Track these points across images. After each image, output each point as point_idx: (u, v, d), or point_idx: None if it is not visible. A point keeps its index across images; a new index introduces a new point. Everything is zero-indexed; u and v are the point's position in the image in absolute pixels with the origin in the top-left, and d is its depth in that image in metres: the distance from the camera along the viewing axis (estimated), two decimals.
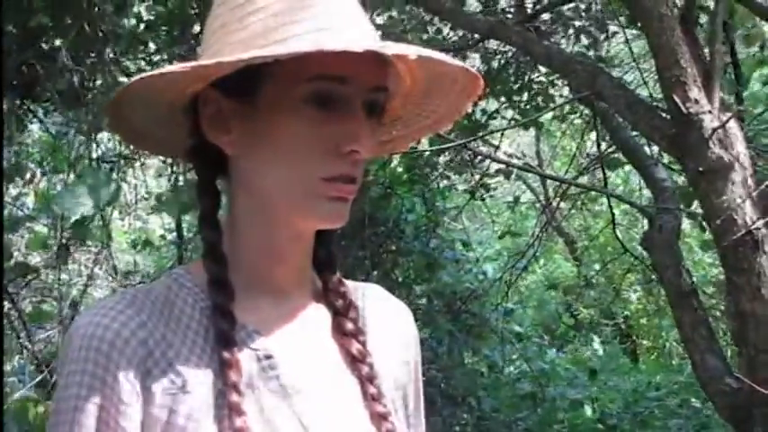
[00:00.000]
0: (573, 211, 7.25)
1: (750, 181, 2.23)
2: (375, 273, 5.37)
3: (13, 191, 4.43)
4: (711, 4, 3.06)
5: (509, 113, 5.11)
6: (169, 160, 4.17)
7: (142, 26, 3.82)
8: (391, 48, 0.87)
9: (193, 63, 0.87)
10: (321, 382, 0.96)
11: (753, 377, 2.24)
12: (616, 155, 4.33)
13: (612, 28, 4.43)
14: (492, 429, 5.92)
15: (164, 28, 3.82)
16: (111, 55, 3.69)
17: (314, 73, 0.89)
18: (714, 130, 2.19)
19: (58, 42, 3.49)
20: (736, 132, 2.25)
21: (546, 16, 4.27)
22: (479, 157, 5.32)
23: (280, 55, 0.84)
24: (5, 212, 3.72)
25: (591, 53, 4.41)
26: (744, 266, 2.21)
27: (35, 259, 4.51)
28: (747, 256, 2.20)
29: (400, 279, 5.69)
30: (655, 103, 2.74)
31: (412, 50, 0.86)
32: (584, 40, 4.43)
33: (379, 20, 4.22)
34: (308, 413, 0.93)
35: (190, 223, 5.30)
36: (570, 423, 6.29)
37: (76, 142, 4.00)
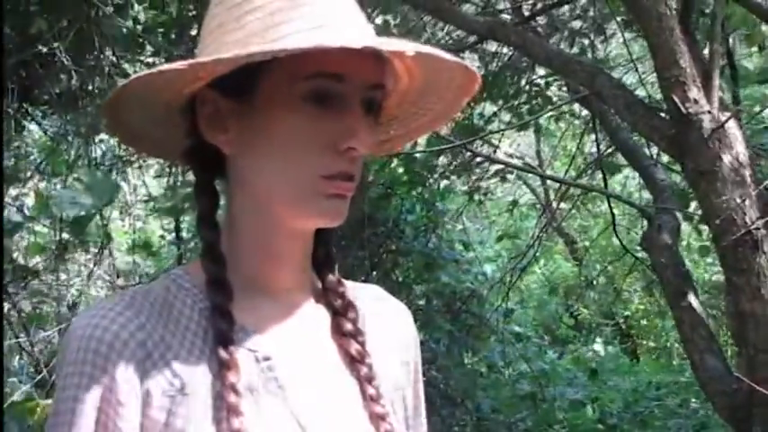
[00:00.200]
0: (573, 211, 7.26)
1: (749, 181, 2.23)
2: (375, 273, 5.37)
3: (12, 191, 4.43)
4: (710, 5, 3.05)
5: (508, 115, 5.12)
6: (168, 162, 4.16)
7: (140, 28, 3.82)
8: (389, 44, 0.87)
9: (191, 60, 0.87)
10: (320, 382, 0.96)
11: (752, 377, 2.24)
12: (614, 159, 4.34)
13: (609, 31, 4.43)
14: (492, 430, 5.92)
15: (161, 30, 3.82)
16: (111, 57, 3.70)
17: (312, 70, 0.89)
18: (714, 130, 2.19)
19: (56, 45, 3.49)
20: (736, 132, 2.24)
21: (542, 20, 4.27)
22: (479, 159, 5.32)
23: (278, 51, 0.84)
24: (5, 213, 3.72)
25: (588, 56, 4.41)
26: (743, 266, 2.21)
27: (35, 260, 4.50)
28: (747, 256, 2.20)
29: (400, 279, 5.69)
30: (652, 105, 2.74)
31: (410, 47, 0.86)
32: (582, 43, 4.43)
33: (374, 24, 4.22)
34: (306, 414, 0.92)
35: (189, 223, 5.30)
36: (570, 423, 6.29)
37: (75, 144, 4.00)
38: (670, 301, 2.70)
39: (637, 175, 4.04)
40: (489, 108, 5.15)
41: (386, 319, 1.06)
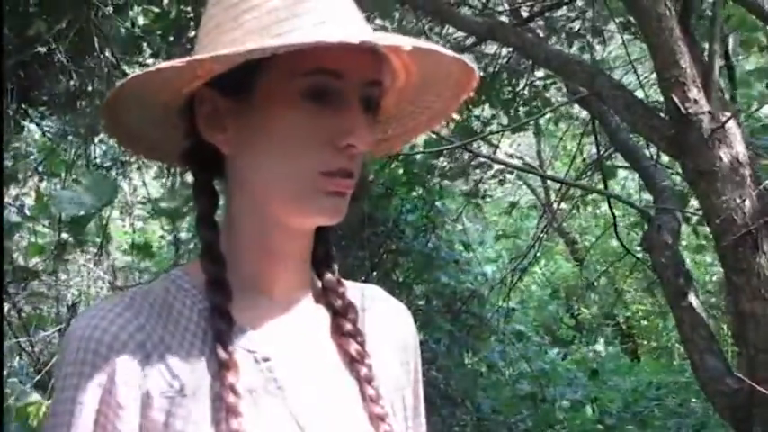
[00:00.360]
0: (573, 211, 7.26)
1: (749, 181, 2.23)
2: (375, 273, 5.37)
3: (12, 191, 4.43)
4: (709, 7, 3.05)
5: (507, 117, 5.11)
6: (167, 165, 4.16)
7: (138, 30, 3.82)
8: (387, 39, 0.87)
9: (189, 58, 0.87)
10: (319, 383, 0.96)
11: (752, 377, 2.24)
12: (614, 159, 4.33)
13: (607, 33, 4.43)
14: (492, 430, 5.92)
15: (159, 32, 3.82)
16: (110, 58, 3.69)
17: (310, 67, 0.89)
18: (714, 130, 2.19)
19: (55, 46, 3.49)
20: (736, 132, 2.24)
21: (540, 22, 4.27)
22: (479, 159, 5.32)
23: (278, 48, 0.84)
24: (5, 213, 3.72)
25: (586, 57, 4.41)
26: (743, 266, 2.20)
27: (35, 260, 4.51)
28: (747, 256, 2.19)
29: (400, 279, 5.69)
30: (651, 106, 2.74)
31: (407, 42, 0.86)
32: (579, 45, 4.43)
33: (371, 27, 4.21)
34: (305, 414, 0.92)
35: (189, 224, 5.30)
36: (570, 423, 6.29)
37: (74, 145, 4.00)
38: (670, 301, 2.70)
39: (636, 175, 4.04)
40: (488, 110, 5.14)
41: (386, 320, 1.06)
